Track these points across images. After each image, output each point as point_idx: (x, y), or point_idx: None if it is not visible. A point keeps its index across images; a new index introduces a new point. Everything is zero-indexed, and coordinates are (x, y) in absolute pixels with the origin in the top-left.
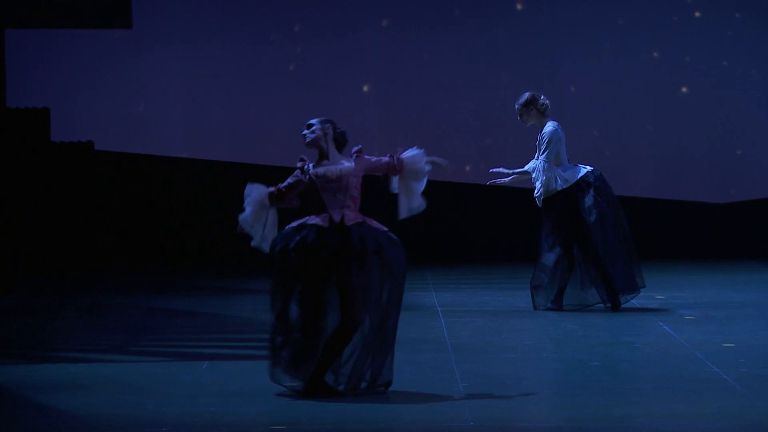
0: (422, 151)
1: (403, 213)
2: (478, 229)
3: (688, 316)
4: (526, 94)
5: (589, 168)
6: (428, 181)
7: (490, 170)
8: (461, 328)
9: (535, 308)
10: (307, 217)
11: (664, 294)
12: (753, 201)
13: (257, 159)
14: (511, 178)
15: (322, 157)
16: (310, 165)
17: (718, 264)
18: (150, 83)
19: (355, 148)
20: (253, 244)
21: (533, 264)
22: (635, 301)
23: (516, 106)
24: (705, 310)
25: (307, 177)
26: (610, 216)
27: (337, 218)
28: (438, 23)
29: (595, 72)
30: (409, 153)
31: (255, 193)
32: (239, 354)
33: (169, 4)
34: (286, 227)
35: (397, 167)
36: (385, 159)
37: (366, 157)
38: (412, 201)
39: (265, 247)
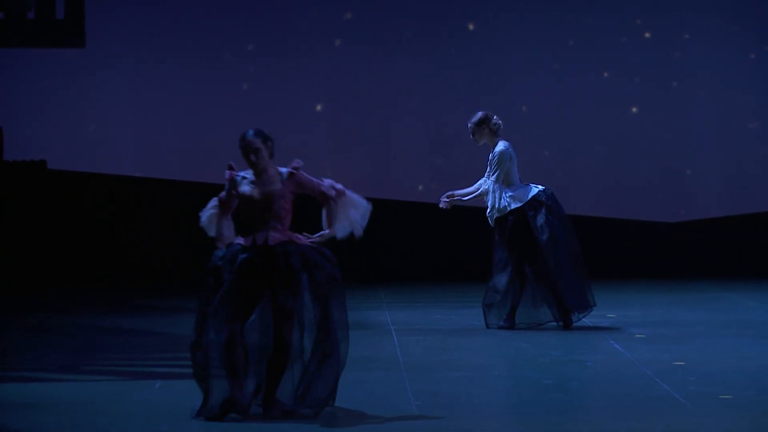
0: (369, 206)
1: (339, 233)
2: (431, 247)
3: (639, 334)
4: (480, 114)
5: (540, 187)
6: (381, 200)
7: (442, 200)
8: (414, 346)
9: (487, 327)
10: (236, 237)
11: (614, 313)
12: (701, 220)
13: (210, 178)
14: (464, 198)
15: (260, 173)
16: (239, 175)
17: (667, 283)
18: (103, 102)
19: (294, 164)
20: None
21: (486, 283)
22: (586, 320)
23: (469, 125)
24: (655, 329)
25: (234, 191)
26: (561, 235)
27: (260, 240)
28: (391, 43)
29: (546, 92)
30: (355, 197)
31: (211, 202)
32: (192, 373)
33: (122, 23)
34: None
35: (334, 199)
36: (325, 184)
37: (304, 176)
38: (352, 226)
39: (220, 247)
